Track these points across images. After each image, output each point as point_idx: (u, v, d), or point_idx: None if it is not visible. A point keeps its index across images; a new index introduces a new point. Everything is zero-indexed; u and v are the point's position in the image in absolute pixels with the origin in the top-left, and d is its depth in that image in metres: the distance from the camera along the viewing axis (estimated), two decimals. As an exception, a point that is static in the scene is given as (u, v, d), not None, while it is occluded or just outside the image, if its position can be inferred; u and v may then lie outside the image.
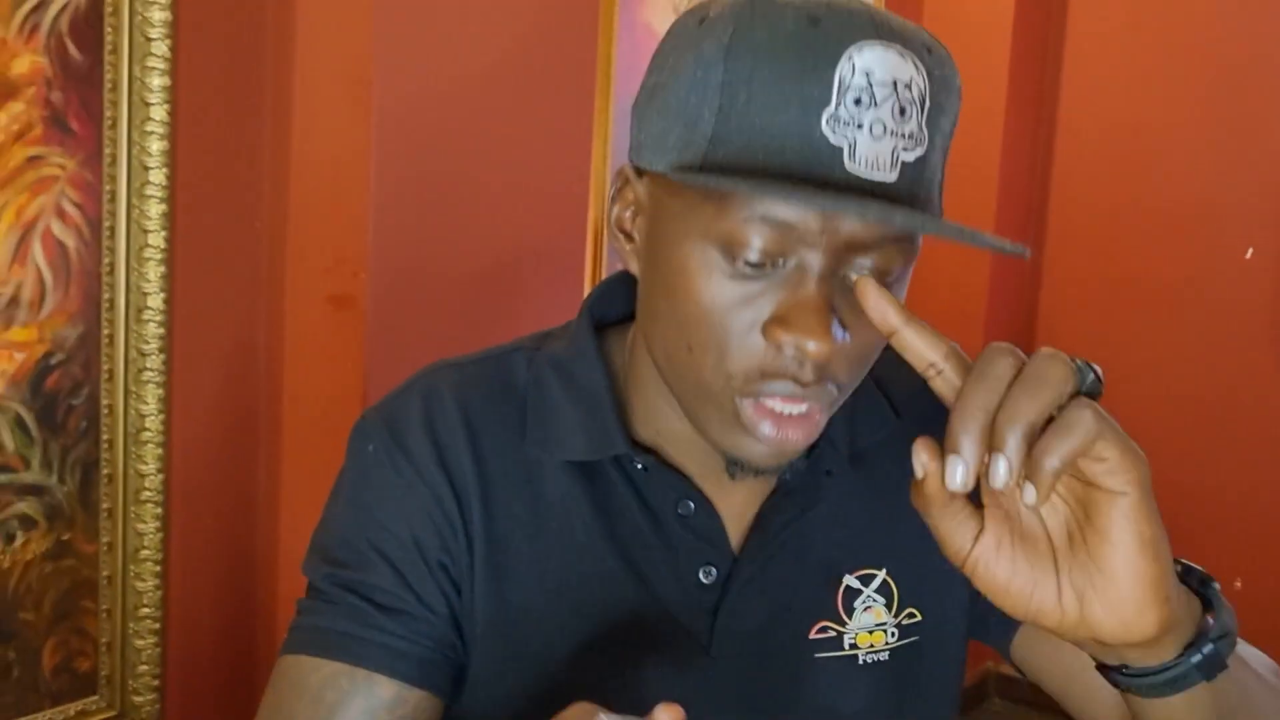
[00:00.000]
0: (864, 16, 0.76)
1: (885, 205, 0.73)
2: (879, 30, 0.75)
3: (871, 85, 0.74)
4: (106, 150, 1.46)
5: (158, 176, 1.48)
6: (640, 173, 0.84)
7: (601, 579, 0.90)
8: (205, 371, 1.61)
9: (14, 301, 1.42)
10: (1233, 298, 2.82)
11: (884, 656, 0.94)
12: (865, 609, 0.94)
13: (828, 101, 0.74)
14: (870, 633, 0.94)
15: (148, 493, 1.54)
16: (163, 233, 1.50)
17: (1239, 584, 2.25)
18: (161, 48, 1.46)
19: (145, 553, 1.56)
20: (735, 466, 0.87)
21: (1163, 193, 2.84)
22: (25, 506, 1.46)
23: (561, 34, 1.87)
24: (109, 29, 1.44)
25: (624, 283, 0.95)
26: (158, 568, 1.57)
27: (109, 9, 1.43)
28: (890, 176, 0.75)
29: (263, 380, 1.68)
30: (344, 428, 1.58)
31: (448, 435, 0.91)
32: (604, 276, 1.97)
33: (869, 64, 0.74)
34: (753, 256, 0.76)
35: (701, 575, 0.91)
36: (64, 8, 1.40)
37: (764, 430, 0.80)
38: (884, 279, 0.79)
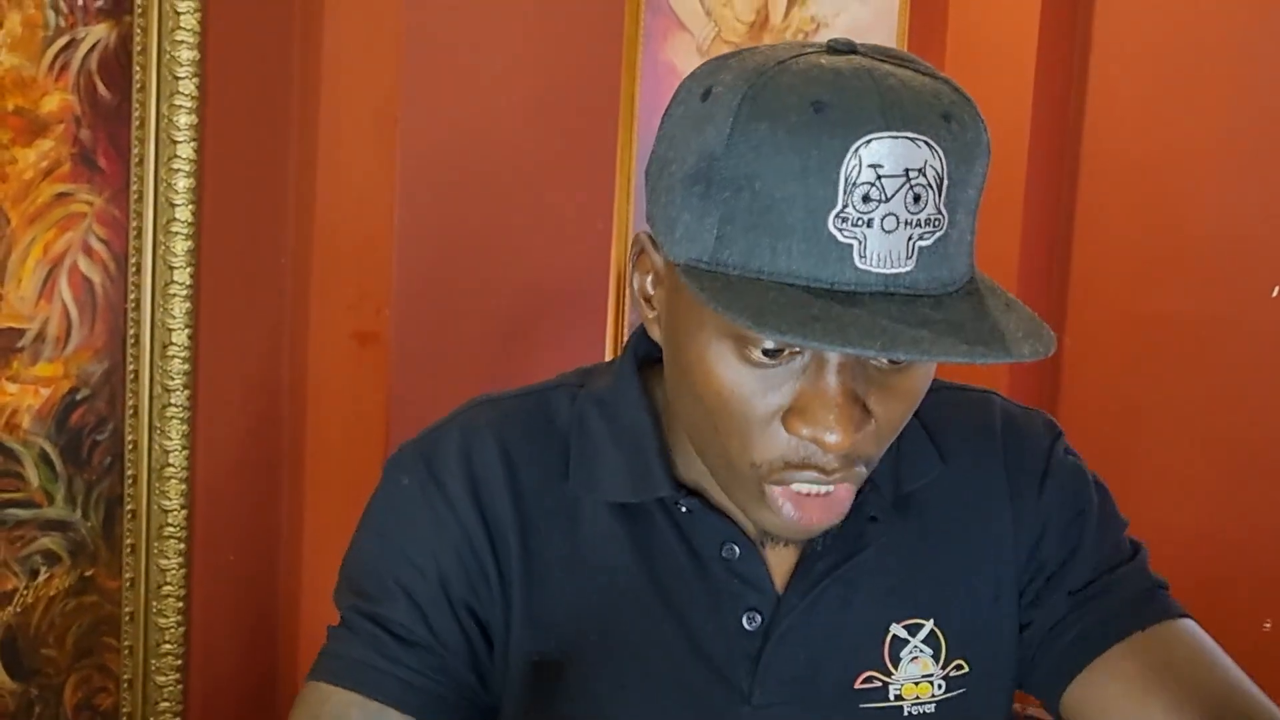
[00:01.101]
0: (872, 100, 0.72)
1: (901, 324, 0.70)
2: (888, 116, 0.71)
3: (880, 180, 0.71)
4: (133, 187, 1.47)
5: (184, 213, 1.49)
6: (657, 244, 0.82)
7: (642, 622, 0.89)
8: (229, 407, 1.61)
9: (40, 337, 1.42)
10: (1261, 336, 2.80)
11: (930, 709, 0.92)
12: (912, 659, 0.92)
13: (834, 202, 0.71)
14: (917, 684, 0.92)
15: (170, 529, 1.54)
16: (188, 269, 1.51)
17: (1269, 625, 2.23)
18: (189, 86, 1.47)
19: (168, 589, 1.55)
20: (765, 535, 0.87)
21: (1188, 230, 2.83)
22: (49, 542, 1.47)
23: (585, 74, 1.88)
24: (138, 67, 1.45)
25: None
26: (180, 604, 1.56)
27: (138, 48, 1.45)
28: (906, 266, 0.72)
29: (286, 416, 1.68)
30: (368, 464, 1.59)
31: (485, 471, 0.90)
32: (626, 315, 1.97)
33: (877, 158, 0.71)
34: (768, 347, 0.75)
35: (745, 621, 0.89)
36: (94, 47, 1.42)
37: (787, 513, 0.80)
38: (908, 360, 0.77)
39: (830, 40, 0.78)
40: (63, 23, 1.39)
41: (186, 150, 1.48)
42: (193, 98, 1.48)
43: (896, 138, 0.71)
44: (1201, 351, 2.84)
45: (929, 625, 0.92)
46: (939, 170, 0.72)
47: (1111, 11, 2.84)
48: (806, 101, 0.72)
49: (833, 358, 0.75)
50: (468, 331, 1.73)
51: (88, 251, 1.45)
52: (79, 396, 1.47)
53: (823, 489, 0.79)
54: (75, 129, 1.42)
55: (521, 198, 1.78)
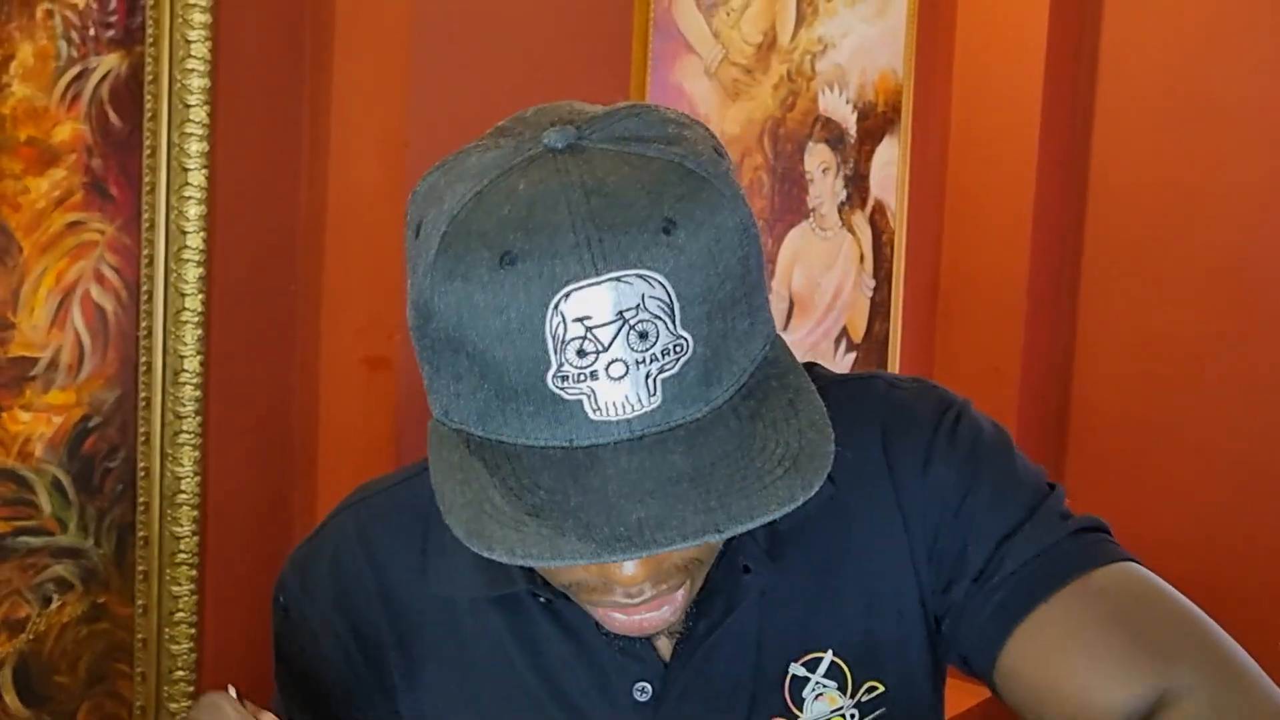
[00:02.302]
0: (566, 239, 0.63)
1: (636, 497, 0.62)
2: (584, 259, 0.63)
3: (591, 331, 0.63)
4: (145, 215, 1.48)
5: (195, 240, 1.50)
6: None
7: (532, 712, 0.86)
8: (240, 434, 1.62)
9: (53, 365, 1.43)
10: (1270, 353, 2.79)
11: None
12: (816, 697, 0.87)
13: (547, 362, 0.64)
14: None
15: (182, 555, 1.55)
16: (199, 296, 1.51)
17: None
18: (200, 114, 1.48)
19: (180, 615, 1.56)
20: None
21: (1198, 248, 2.83)
22: (62, 569, 1.47)
23: (593, 98, 1.88)
24: (149, 96, 1.46)
25: None
26: (192, 630, 1.56)
27: (149, 77, 1.46)
28: (652, 403, 0.65)
29: (297, 442, 1.69)
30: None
31: (355, 587, 0.88)
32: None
33: (582, 310, 0.63)
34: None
35: (636, 694, 0.85)
36: (105, 76, 1.43)
37: (619, 627, 0.76)
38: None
39: (557, 131, 0.70)
40: (74, 53, 1.40)
41: (197, 178, 1.49)
42: (203, 126, 1.48)
43: (598, 283, 0.63)
44: (1211, 368, 2.84)
45: (828, 657, 0.87)
46: (664, 298, 0.64)
47: (1119, 31, 2.85)
48: (498, 254, 0.64)
49: None
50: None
51: (100, 279, 1.46)
52: (91, 424, 1.47)
53: (641, 614, 0.74)
54: (87, 158, 1.43)
55: (531, 222, 1.78)
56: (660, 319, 0.64)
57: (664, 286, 0.64)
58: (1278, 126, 2.75)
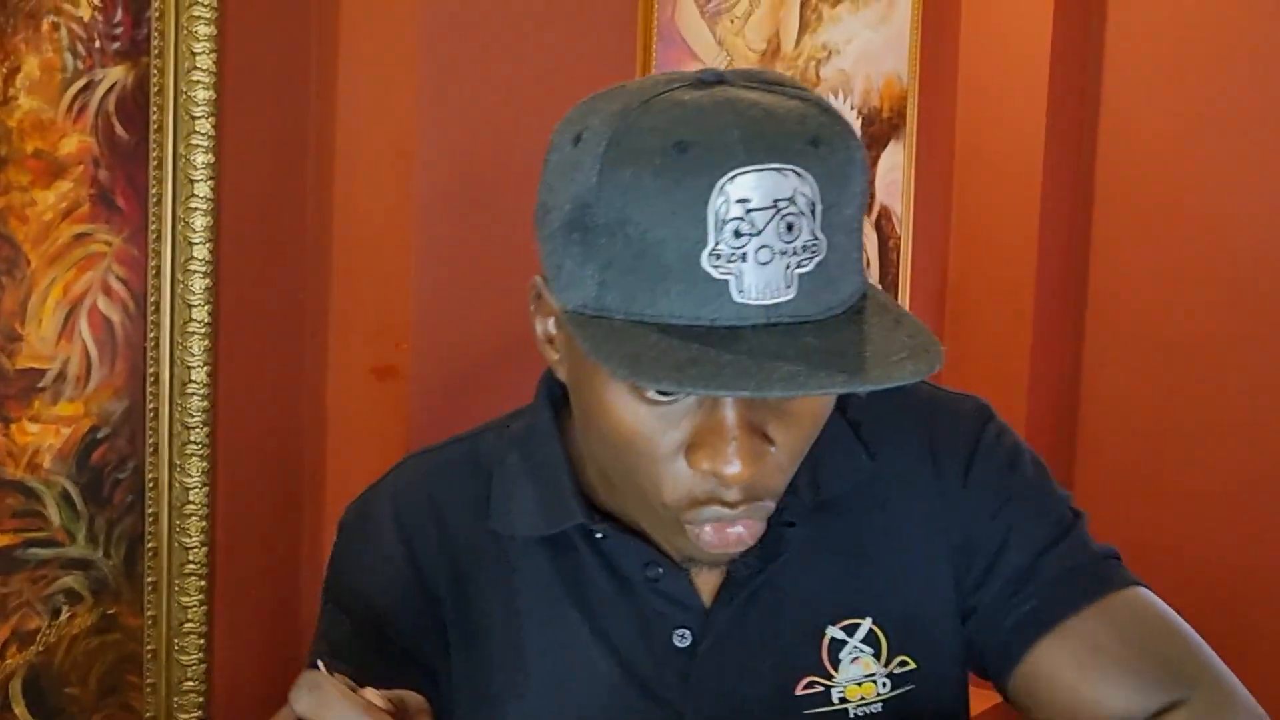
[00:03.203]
0: (733, 134, 0.72)
1: (780, 359, 0.70)
2: (750, 149, 0.71)
3: (750, 213, 0.71)
4: (152, 226, 1.48)
5: (202, 251, 1.50)
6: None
7: (576, 653, 0.90)
8: (249, 444, 1.62)
9: (61, 377, 1.43)
10: None
11: (877, 709, 0.91)
12: (853, 660, 0.91)
13: (704, 240, 0.71)
14: (860, 684, 0.91)
15: (192, 566, 1.55)
16: (207, 307, 1.51)
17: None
18: (206, 126, 1.48)
19: (189, 626, 1.56)
20: (688, 561, 0.87)
21: (1206, 253, 2.82)
22: (71, 581, 1.47)
23: (599, 104, 1.88)
24: (155, 108, 1.46)
25: None
26: (202, 641, 1.56)
27: (155, 89, 1.46)
28: (787, 295, 0.72)
29: (306, 452, 1.69)
30: (387, 499, 1.55)
31: (416, 530, 0.93)
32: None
33: (744, 192, 0.71)
34: (660, 387, 0.74)
35: (675, 639, 0.90)
36: (111, 88, 1.43)
37: (704, 539, 0.80)
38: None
39: (699, 71, 0.78)
40: (80, 65, 1.40)
41: (204, 189, 1.49)
42: (209, 137, 1.49)
43: (761, 170, 0.71)
44: (1219, 374, 2.84)
45: (866, 624, 0.92)
46: (810, 196, 0.72)
47: (1124, 33, 2.85)
48: (669, 142, 0.72)
49: None
50: (487, 364, 1.74)
51: (107, 291, 1.46)
52: (99, 435, 1.48)
53: (733, 530, 0.80)
54: (94, 170, 1.43)
55: (537, 230, 1.78)
56: (804, 215, 0.72)
57: (812, 186, 0.72)
58: (1283, 127, 2.74)
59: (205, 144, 1.48)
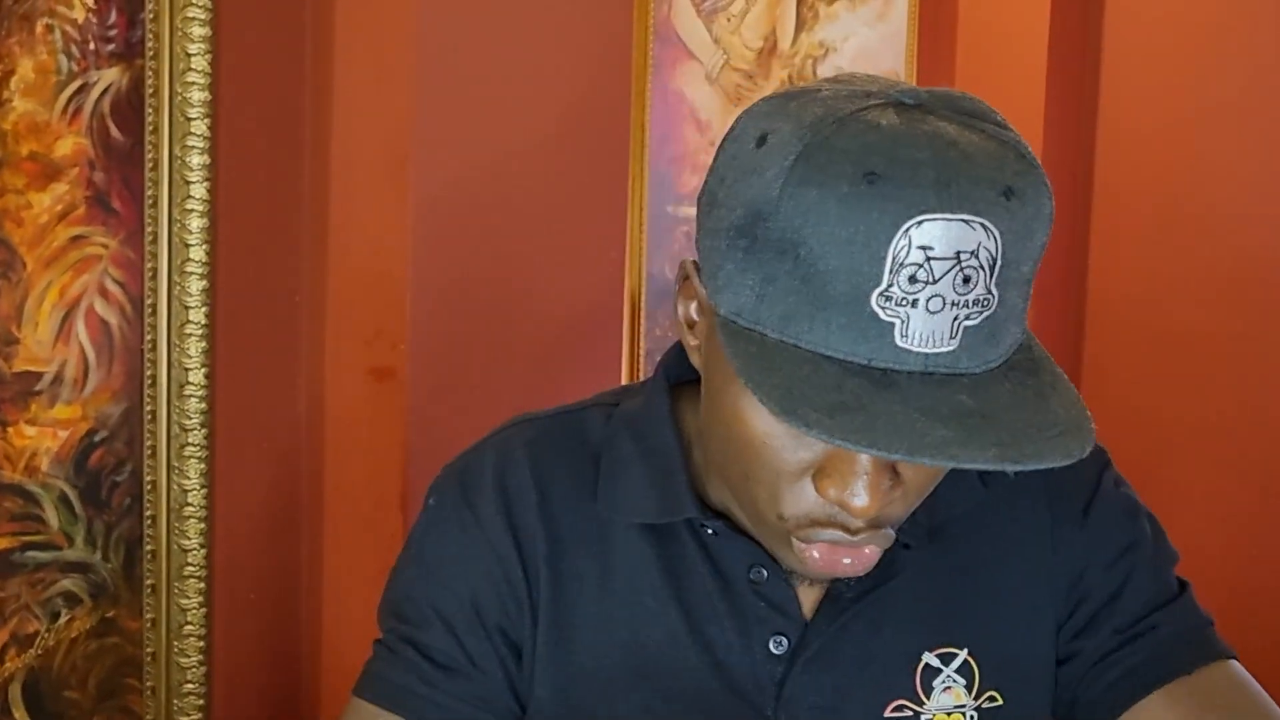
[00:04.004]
0: (928, 175, 0.69)
1: (933, 418, 0.68)
2: (942, 195, 0.68)
3: (930, 262, 0.69)
4: (148, 229, 1.48)
5: (198, 253, 1.50)
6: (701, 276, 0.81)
7: (667, 644, 0.89)
8: (247, 446, 1.61)
9: (58, 379, 1.43)
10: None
11: None
12: (945, 689, 0.90)
13: (879, 280, 0.69)
14: (949, 714, 0.90)
15: (191, 568, 1.55)
16: (204, 309, 1.51)
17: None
18: (201, 127, 1.48)
19: (189, 628, 1.55)
20: (790, 573, 0.86)
21: (1205, 248, 2.82)
22: (70, 584, 1.47)
23: (594, 105, 1.89)
24: (150, 110, 1.46)
25: None
26: (201, 643, 1.56)
27: (149, 90, 1.46)
28: (949, 346, 0.70)
29: (304, 453, 1.69)
30: (387, 500, 1.59)
31: (517, 492, 0.90)
32: (642, 345, 1.97)
33: (929, 239, 0.68)
34: (811, 435, 0.72)
35: (772, 645, 0.88)
36: (106, 90, 1.43)
37: (811, 559, 0.80)
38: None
39: (899, 91, 0.75)
40: (75, 67, 1.40)
41: (200, 191, 1.49)
42: (205, 138, 1.48)
43: (950, 220, 0.68)
44: (1221, 366, 2.83)
45: (962, 655, 0.91)
46: (993, 252, 0.70)
47: (1121, 30, 2.85)
48: (860, 171, 0.69)
49: None
50: (484, 365, 1.74)
51: (103, 294, 1.46)
52: (97, 438, 1.47)
53: (845, 556, 0.79)
54: (89, 172, 1.43)
55: (534, 230, 1.78)
56: (983, 270, 0.70)
57: (997, 242, 0.70)
58: (1282, 123, 2.74)
59: (201, 145, 1.48)
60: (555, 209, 1.81)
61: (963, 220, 0.68)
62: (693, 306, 0.83)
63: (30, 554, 1.43)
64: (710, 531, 0.89)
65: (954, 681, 0.90)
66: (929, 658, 0.90)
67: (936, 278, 0.69)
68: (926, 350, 0.70)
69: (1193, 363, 2.87)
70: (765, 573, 0.88)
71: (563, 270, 1.83)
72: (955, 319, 0.70)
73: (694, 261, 0.82)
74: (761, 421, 0.76)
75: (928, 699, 0.90)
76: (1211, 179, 2.80)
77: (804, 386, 0.69)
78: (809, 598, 0.89)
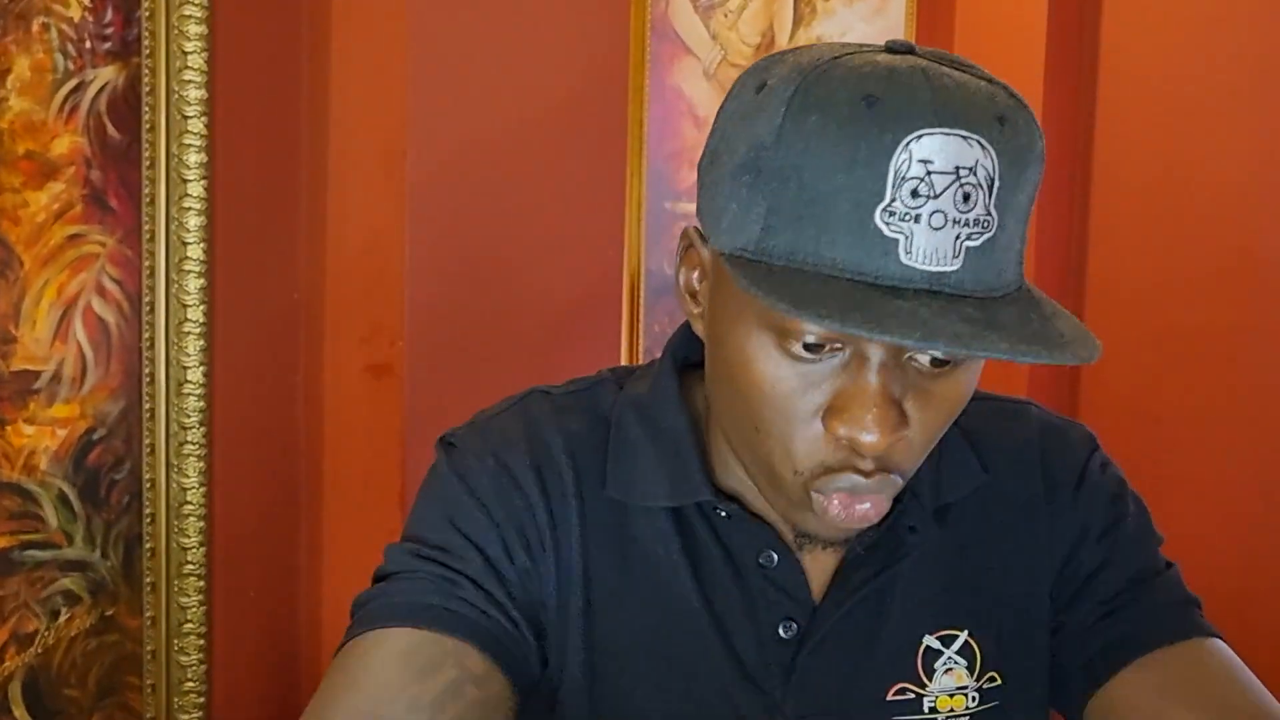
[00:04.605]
0: (924, 95, 0.71)
1: (943, 319, 0.69)
2: (940, 113, 0.71)
3: (930, 175, 0.70)
4: (145, 227, 1.48)
5: (196, 252, 1.50)
6: (704, 238, 0.81)
7: (685, 623, 0.89)
8: (246, 443, 1.62)
9: (56, 378, 1.43)
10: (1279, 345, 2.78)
11: None
12: (946, 671, 0.91)
13: (882, 195, 0.70)
14: (951, 696, 0.91)
15: (190, 566, 1.55)
16: (201, 307, 1.51)
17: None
18: (198, 125, 1.48)
19: (189, 626, 1.56)
20: (804, 538, 0.86)
21: (1204, 243, 2.82)
22: (69, 582, 1.47)
23: (592, 100, 1.88)
24: (146, 108, 1.46)
25: None
26: (201, 641, 1.56)
27: (146, 88, 1.46)
28: (952, 266, 0.71)
29: (303, 450, 1.69)
30: (385, 496, 1.58)
31: (551, 460, 0.89)
32: (640, 339, 1.97)
33: (928, 153, 0.70)
34: (809, 340, 0.75)
35: (781, 630, 0.89)
36: (102, 89, 1.43)
37: (832, 513, 0.79)
38: (956, 362, 0.77)
39: (889, 41, 0.78)
40: (71, 66, 1.40)
41: (197, 189, 1.49)
42: (202, 136, 1.48)
43: (948, 134, 0.70)
44: (1220, 362, 2.83)
45: (963, 636, 0.91)
46: (990, 171, 0.72)
47: (1119, 26, 2.84)
48: (858, 95, 0.71)
49: (873, 356, 0.75)
50: (481, 360, 1.74)
51: (101, 292, 1.46)
52: (96, 436, 1.47)
53: (861, 505, 0.79)
54: (86, 171, 1.43)
55: (531, 225, 1.78)
56: (981, 189, 0.71)
57: (994, 161, 0.71)
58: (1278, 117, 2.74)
59: (198, 143, 1.48)
60: (553, 205, 1.81)
61: (960, 135, 0.70)
62: (695, 275, 0.84)
63: (29, 552, 1.43)
64: (723, 514, 0.89)
65: (955, 663, 0.91)
66: (930, 640, 0.91)
67: (938, 192, 0.70)
68: (930, 268, 0.71)
69: (1191, 357, 2.87)
70: (775, 557, 0.88)
71: (560, 267, 1.83)
72: (958, 237, 0.71)
73: (695, 229, 0.83)
74: (770, 364, 0.76)
75: (930, 681, 0.91)
76: (1211, 171, 2.80)
77: (813, 295, 0.70)
78: (818, 582, 0.90)
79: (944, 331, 0.68)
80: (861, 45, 0.77)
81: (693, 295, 0.85)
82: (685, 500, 0.88)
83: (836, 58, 0.74)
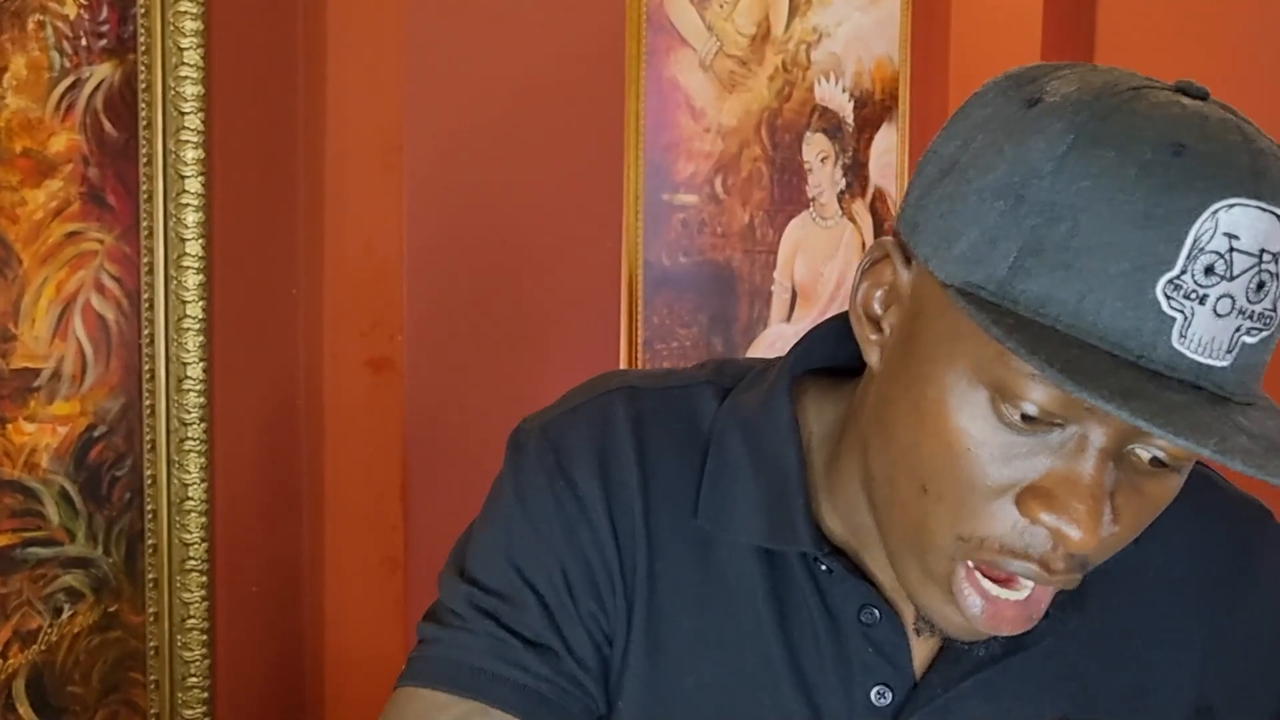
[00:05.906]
0: (1242, 159, 0.61)
1: (1223, 425, 0.59)
2: (1258, 181, 0.60)
3: (1232, 253, 0.60)
4: (143, 224, 1.48)
5: (194, 248, 1.50)
6: (908, 256, 0.70)
7: (762, 675, 0.80)
8: (246, 439, 1.62)
9: (56, 376, 1.43)
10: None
11: None
12: None
13: (1172, 264, 0.60)
14: None
15: (192, 562, 1.55)
16: (200, 303, 1.51)
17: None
18: (195, 121, 1.48)
19: (191, 622, 1.56)
20: (923, 624, 0.75)
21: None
22: (72, 579, 1.47)
23: (589, 94, 1.89)
24: (143, 104, 1.46)
25: (835, 331, 0.81)
26: (204, 637, 1.57)
27: (142, 85, 1.46)
28: (1223, 360, 0.61)
29: (303, 445, 1.69)
30: (386, 490, 1.59)
31: (620, 475, 0.80)
32: (639, 334, 1.97)
33: (1236, 227, 0.59)
34: (1029, 411, 0.64)
35: (874, 696, 0.79)
36: (99, 86, 1.43)
37: (970, 605, 0.69)
38: (1175, 463, 0.66)
39: (1179, 81, 0.67)
40: (67, 63, 1.40)
41: (194, 185, 1.49)
42: (199, 132, 1.48)
43: (1263, 210, 0.60)
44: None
45: None
46: None
47: (1114, 15, 2.84)
48: (1166, 140, 0.61)
49: (1096, 441, 0.64)
50: (481, 354, 1.74)
51: (100, 289, 1.46)
52: (96, 433, 1.48)
53: (1017, 595, 0.69)
54: (83, 168, 1.43)
55: (529, 219, 1.78)
56: (1277, 279, 0.61)
57: None
58: (1276, 116, 2.73)
59: (195, 139, 1.48)
60: (550, 198, 1.81)
61: (1275, 214, 0.60)
62: (879, 294, 0.72)
63: (31, 550, 1.43)
64: (824, 569, 0.78)
65: None
66: None
67: (1234, 274, 0.60)
68: (1200, 359, 0.61)
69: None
70: (878, 614, 0.78)
71: (559, 259, 1.83)
72: (1237, 329, 0.61)
73: (897, 242, 0.71)
74: (974, 424, 0.65)
75: None
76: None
77: (1085, 368, 0.59)
78: (921, 651, 0.80)
79: (1234, 446, 0.58)
80: (1149, 78, 0.67)
81: (873, 320, 0.73)
82: (784, 546, 0.78)
83: (1135, 88, 0.65)
